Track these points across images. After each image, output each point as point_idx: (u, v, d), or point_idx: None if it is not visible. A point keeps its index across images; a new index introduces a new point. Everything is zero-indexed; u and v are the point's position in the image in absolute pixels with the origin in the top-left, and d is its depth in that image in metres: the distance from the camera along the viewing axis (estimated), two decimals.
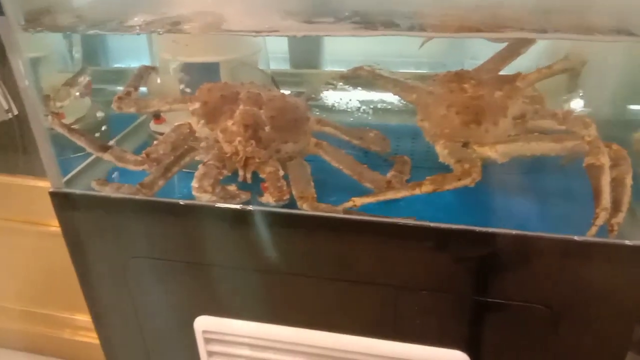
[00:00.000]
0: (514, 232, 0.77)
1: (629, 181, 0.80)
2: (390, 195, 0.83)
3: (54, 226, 1.50)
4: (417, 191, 0.80)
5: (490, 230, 0.78)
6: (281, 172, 0.88)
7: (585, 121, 0.87)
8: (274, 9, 0.80)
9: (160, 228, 0.91)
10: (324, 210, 0.83)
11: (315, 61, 1.33)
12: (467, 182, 0.79)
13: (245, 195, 0.89)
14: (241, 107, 0.89)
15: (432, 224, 0.79)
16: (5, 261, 1.66)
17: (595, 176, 0.79)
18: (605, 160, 0.79)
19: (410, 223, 0.80)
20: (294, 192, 0.86)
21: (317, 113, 1.11)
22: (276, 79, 1.10)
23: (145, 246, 0.93)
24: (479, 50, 1.13)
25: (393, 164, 0.98)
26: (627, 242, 0.75)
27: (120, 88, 1.01)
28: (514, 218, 0.88)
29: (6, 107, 1.43)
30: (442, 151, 0.88)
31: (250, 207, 0.85)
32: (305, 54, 1.31)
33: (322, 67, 1.34)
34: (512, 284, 0.81)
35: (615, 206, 0.78)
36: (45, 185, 1.45)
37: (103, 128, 1.07)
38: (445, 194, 0.82)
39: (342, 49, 1.33)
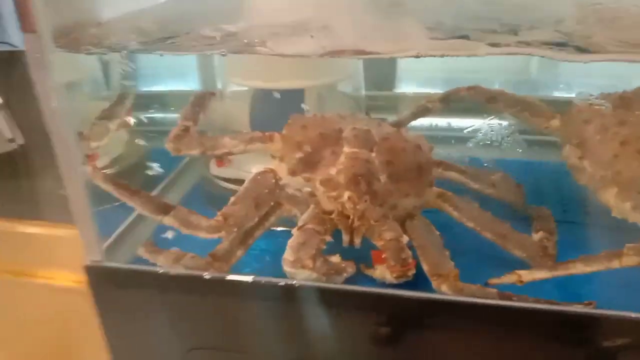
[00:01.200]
0: None
1: None
2: (573, 269, 0.60)
3: (61, 280, 1.26)
4: (615, 264, 0.58)
5: None
6: (405, 238, 0.65)
7: None
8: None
9: (232, 313, 0.67)
10: (473, 295, 0.60)
11: (389, 81, 1.10)
12: None
13: (351, 268, 0.66)
14: (347, 149, 0.67)
15: (631, 315, 0.57)
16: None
17: None
18: None
19: (591, 312, 0.58)
20: (425, 267, 0.64)
21: None
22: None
23: (211, 336, 0.69)
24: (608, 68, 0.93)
25: (523, 216, 0.76)
26: None
27: (161, 115, 0.78)
28: None
29: (9, 136, 1.18)
30: (619, 204, 0.66)
31: (355, 288, 0.63)
32: (378, 72, 1.08)
33: (395, 87, 1.11)
34: None
35: None
36: (52, 232, 1.21)
37: (148, 169, 0.82)
38: None
39: (416, 65, 1.11)
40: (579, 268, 0.60)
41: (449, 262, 0.64)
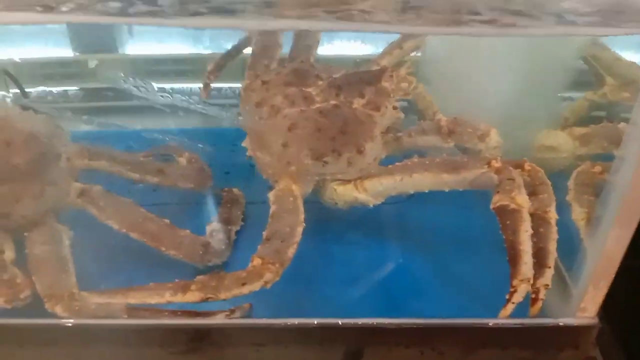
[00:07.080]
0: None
1: (553, 217, 0.54)
2: (134, 298, 0.50)
3: None
4: (179, 298, 0.49)
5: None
6: (10, 255, 0.51)
7: (482, 129, 0.60)
8: None
9: None
10: (95, 315, 0.49)
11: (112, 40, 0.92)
12: (255, 287, 0.49)
13: None
14: None
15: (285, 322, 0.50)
16: None
17: (510, 225, 0.51)
18: (522, 201, 0.52)
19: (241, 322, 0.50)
20: (38, 287, 0.51)
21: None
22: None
23: None
24: None
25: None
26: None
27: None
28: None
29: None
30: (272, 204, 0.57)
31: None
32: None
33: (122, 48, 0.94)
34: None
35: (539, 260, 0.51)
36: None
37: None
38: None
39: None
40: (140, 296, 0.50)
41: (69, 277, 0.52)
